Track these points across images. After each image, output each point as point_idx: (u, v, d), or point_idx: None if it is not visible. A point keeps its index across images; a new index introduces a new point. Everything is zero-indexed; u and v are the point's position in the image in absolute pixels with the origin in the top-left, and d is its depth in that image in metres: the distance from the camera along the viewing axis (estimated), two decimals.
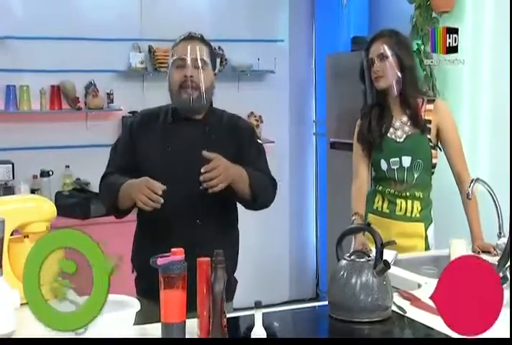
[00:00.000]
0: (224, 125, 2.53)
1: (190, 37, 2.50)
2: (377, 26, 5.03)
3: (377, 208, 2.98)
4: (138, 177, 2.36)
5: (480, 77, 3.89)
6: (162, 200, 2.24)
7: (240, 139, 2.51)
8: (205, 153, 2.26)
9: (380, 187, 2.97)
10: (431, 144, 2.91)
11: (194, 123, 2.50)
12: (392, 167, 2.92)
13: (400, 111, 2.95)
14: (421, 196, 2.93)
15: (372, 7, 5.16)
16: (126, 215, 2.50)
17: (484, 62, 3.89)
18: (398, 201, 2.93)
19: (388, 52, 2.86)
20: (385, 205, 2.96)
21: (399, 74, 2.87)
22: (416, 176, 2.91)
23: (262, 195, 2.43)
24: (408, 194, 2.92)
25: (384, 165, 2.94)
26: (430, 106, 2.93)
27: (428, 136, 2.91)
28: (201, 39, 2.51)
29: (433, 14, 4.05)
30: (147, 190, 2.24)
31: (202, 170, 2.24)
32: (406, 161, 2.91)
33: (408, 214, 2.93)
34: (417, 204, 2.93)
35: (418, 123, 2.90)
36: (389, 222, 2.94)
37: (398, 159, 2.91)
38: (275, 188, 2.51)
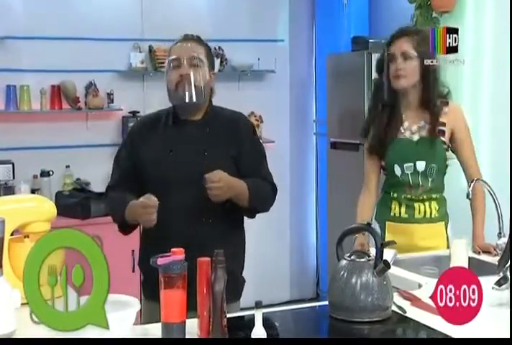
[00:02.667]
0: (224, 125, 2.53)
1: (185, 38, 2.53)
2: (377, 26, 5.04)
3: (394, 214, 2.90)
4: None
5: (481, 77, 3.89)
6: (155, 220, 2.29)
7: (241, 139, 2.51)
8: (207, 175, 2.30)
9: (395, 194, 2.89)
10: (444, 147, 2.86)
11: (194, 125, 2.50)
12: (406, 171, 2.85)
13: (417, 115, 2.87)
14: (437, 197, 2.89)
15: (373, 7, 5.16)
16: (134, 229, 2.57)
17: (484, 62, 3.89)
18: (416, 205, 2.87)
19: (413, 53, 2.77)
20: (403, 210, 2.88)
21: (420, 77, 2.79)
22: (430, 180, 2.86)
23: (259, 207, 2.50)
24: (424, 197, 2.87)
25: (398, 170, 2.86)
26: (445, 109, 2.86)
27: (443, 139, 2.85)
28: (197, 40, 2.54)
29: (434, 14, 4.06)
30: (144, 212, 2.30)
31: (206, 176, 2.28)
32: (421, 165, 2.84)
33: (428, 216, 2.87)
34: (434, 204, 2.88)
35: (435, 129, 2.82)
36: (409, 227, 2.87)
37: (412, 164, 2.84)
38: (275, 193, 2.54)
